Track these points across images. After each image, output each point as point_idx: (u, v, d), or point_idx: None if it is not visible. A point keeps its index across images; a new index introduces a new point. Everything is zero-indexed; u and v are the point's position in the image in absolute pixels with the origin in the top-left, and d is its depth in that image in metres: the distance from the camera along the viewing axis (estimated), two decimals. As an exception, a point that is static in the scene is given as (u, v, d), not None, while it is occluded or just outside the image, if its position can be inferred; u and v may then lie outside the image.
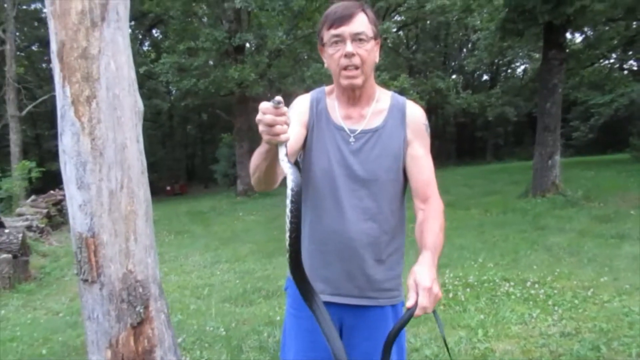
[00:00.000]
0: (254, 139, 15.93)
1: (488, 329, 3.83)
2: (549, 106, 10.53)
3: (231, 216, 13.52)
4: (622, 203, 9.15)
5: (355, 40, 1.50)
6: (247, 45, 18.35)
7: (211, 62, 18.56)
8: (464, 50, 31.39)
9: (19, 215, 10.61)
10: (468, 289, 4.81)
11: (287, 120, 1.18)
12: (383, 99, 1.65)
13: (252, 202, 15.99)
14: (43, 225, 10.31)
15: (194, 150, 35.77)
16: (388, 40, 22.03)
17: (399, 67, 26.78)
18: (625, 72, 22.95)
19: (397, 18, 24.13)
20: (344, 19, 1.51)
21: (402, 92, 17.83)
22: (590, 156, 20.44)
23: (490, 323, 3.95)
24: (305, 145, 1.63)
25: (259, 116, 1.16)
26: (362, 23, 1.52)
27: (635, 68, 23.35)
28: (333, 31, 1.52)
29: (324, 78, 14.13)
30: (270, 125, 1.15)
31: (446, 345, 1.50)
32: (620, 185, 11.03)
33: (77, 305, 5.67)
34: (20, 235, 6.89)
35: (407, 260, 1.67)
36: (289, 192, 1.16)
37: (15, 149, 17.84)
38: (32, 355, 4.15)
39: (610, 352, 3.24)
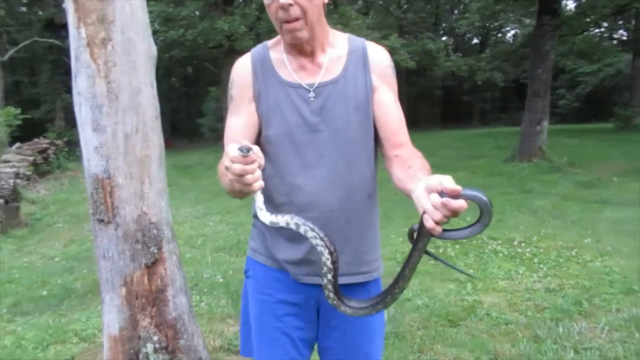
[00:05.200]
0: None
1: (476, 283, 4.01)
2: (540, 72, 10.61)
3: (219, 170, 13.49)
4: (605, 170, 9.39)
5: None
6: (237, -4, 17.90)
7: (197, 13, 18.10)
8: (455, 11, 31.04)
9: (5, 162, 10.48)
10: (457, 246, 4.98)
11: (260, 163, 1.06)
12: (339, 43, 1.40)
13: (239, 158, 15.92)
14: (30, 173, 10.23)
15: (178, 104, 35.20)
16: (380, -1, 21.72)
17: (389, 26, 26.43)
18: (615, 42, 23.06)
19: (390, -24, 23.66)
20: None
21: (392, 51, 17.73)
22: (575, 124, 20.70)
23: (479, 277, 4.12)
24: (259, 119, 1.38)
25: (226, 163, 1.04)
26: None
27: (624, 38, 23.43)
28: None
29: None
30: (241, 175, 1.03)
31: (459, 268, 1.39)
32: (603, 154, 11.30)
33: (72, 250, 5.76)
34: (12, 181, 6.87)
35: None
36: (302, 230, 1.08)
37: (-3, 94, 17.40)
38: (32, 297, 4.23)
39: (591, 307, 3.43)
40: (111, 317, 2.45)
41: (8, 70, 21.18)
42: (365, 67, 1.37)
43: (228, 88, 1.41)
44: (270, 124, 1.35)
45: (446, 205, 0.93)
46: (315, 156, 1.33)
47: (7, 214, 6.64)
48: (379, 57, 1.40)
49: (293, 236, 1.31)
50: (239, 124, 1.37)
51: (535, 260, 4.53)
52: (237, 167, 1.02)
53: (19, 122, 13.86)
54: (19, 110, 13.88)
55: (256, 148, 1.05)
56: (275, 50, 1.41)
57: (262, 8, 18.08)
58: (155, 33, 21.91)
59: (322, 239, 1.07)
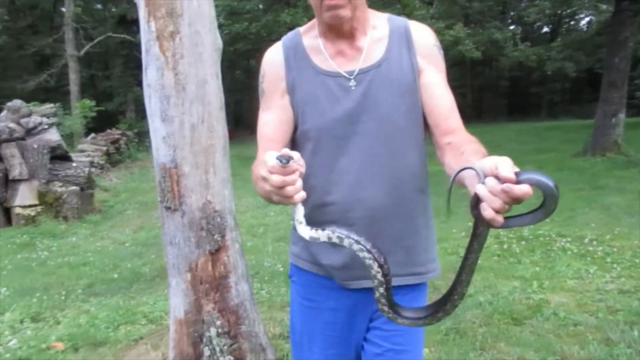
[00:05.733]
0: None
1: (543, 281, 3.85)
2: (617, 61, 9.99)
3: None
4: (688, 166, 8.75)
5: None
6: (300, -11, 18.02)
7: (261, 6, 18.39)
8: (525, -1, 29.77)
9: (81, 151, 11.11)
10: (523, 242, 4.81)
11: (301, 172, 0.95)
12: (379, 24, 1.28)
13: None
14: (103, 162, 10.79)
15: (241, 96, 35.97)
16: (445, -13, 21.17)
17: (454, 15, 25.73)
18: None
19: (456, -37, 22.99)
20: None
21: (457, 41, 17.32)
22: (654, 117, 19.40)
23: (545, 276, 3.96)
24: (294, 114, 1.27)
25: (263, 173, 0.94)
26: None
27: None
28: None
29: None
30: (280, 187, 0.92)
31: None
32: (685, 148, 10.53)
33: (141, 236, 6.03)
34: (87, 169, 7.27)
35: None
36: (346, 243, 0.99)
37: (74, 88, 18.47)
38: (105, 279, 4.47)
39: (670, 311, 3.21)
40: (177, 300, 2.54)
41: (84, 64, 22.38)
42: (409, 48, 1.24)
43: (259, 82, 1.32)
44: (306, 118, 1.24)
45: (507, 192, 0.80)
46: (359, 150, 1.22)
47: (82, 201, 7.04)
48: (424, 37, 1.27)
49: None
50: (272, 120, 1.27)
51: (608, 259, 4.29)
52: (276, 179, 0.91)
53: (93, 114, 14.66)
54: (93, 103, 14.66)
55: (296, 155, 0.94)
56: (308, 36, 1.29)
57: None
58: (220, 27, 22.60)
59: (369, 251, 0.98)
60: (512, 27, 27.10)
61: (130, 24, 20.07)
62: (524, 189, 0.80)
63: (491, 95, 32.23)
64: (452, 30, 16.09)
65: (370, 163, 1.22)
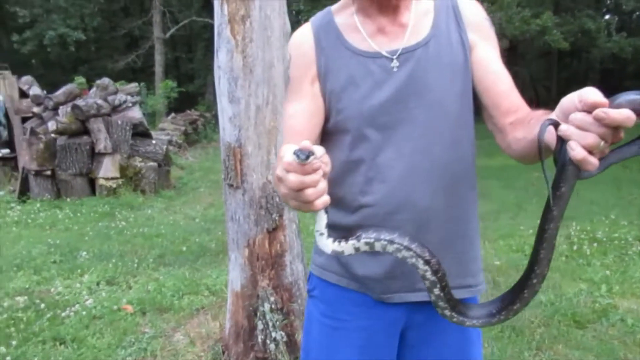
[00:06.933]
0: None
1: (613, 285, 3.65)
2: None
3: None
4: None
5: None
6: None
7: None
8: (624, -14, 27.66)
9: (161, 130, 11.70)
10: (595, 244, 4.56)
11: (325, 170, 0.78)
12: None
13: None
14: (181, 141, 11.31)
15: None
16: (534, -27, 20.10)
17: (543, 3, 24.42)
18: None
19: (548, -53, 21.74)
20: None
21: (543, 31, 16.44)
22: None
23: (616, 280, 3.75)
24: (326, 104, 1.11)
25: (279, 172, 0.78)
26: None
27: None
28: None
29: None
30: (298, 190, 0.76)
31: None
32: None
33: (211, 213, 6.30)
34: (165, 147, 7.65)
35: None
36: (379, 247, 0.84)
37: (159, 69, 19.43)
38: (174, 251, 4.73)
39: None
40: (235, 274, 2.66)
41: (169, 46, 23.40)
42: (458, 23, 1.09)
43: (284, 68, 1.20)
44: (343, 106, 1.08)
45: (602, 119, 0.63)
46: (406, 141, 1.06)
47: (159, 176, 7.44)
48: (473, 9, 1.12)
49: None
50: (301, 111, 1.10)
51: (692, 269, 3.99)
52: (293, 179, 0.75)
53: (175, 95, 15.37)
54: (175, 84, 15.35)
55: (320, 151, 0.77)
56: (342, 14, 1.14)
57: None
58: (299, 12, 22.82)
59: (408, 248, 0.83)
60: (607, 17, 25.29)
61: (213, 8, 20.71)
62: (623, 112, 0.64)
63: (579, 89, 30.34)
64: (538, 19, 15.27)
65: (420, 156, 1.05)
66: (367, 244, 0.83)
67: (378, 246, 0.83)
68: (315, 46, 1.12)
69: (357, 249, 0.84)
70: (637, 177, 8.21)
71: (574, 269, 3.96)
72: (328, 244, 0.84)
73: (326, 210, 0.81)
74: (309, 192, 0.75)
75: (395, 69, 1.06)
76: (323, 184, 0.77)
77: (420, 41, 1.07)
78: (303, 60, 1.12)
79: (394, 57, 1.06)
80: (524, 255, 4.20)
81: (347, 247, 0.84)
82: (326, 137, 1.13)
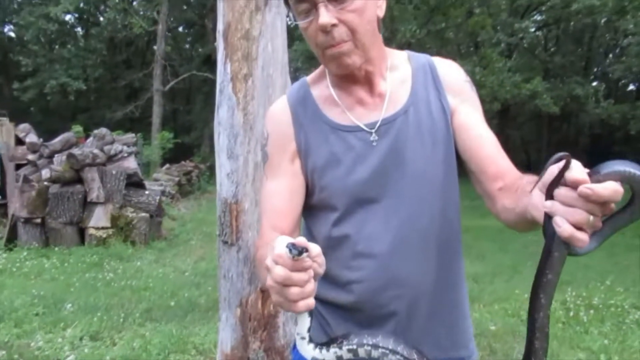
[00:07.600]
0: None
1: (612, 355, 3.55)
2: None
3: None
4: None
5: (331, 0, 0.95)
6: (377, 37, 18.46)
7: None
8: (610, 55, 28.75)
9: (155, 180, 11.70)
10: (591, 311, 4.48)
11: (317, 272, 0.74)
12: (400, 63, 1.10)
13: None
14: (174, 192, 11.29)
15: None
16: (524, 41, 20.91)
17: (534, 69, 25.26)
18: None
19: (538, 17, 22.76)
20: None
21: (534, 95, 16.93)
22: None
23: (615, 350, 3.65)
24: (307, 181, 1.08)
25: (268, 262, 0.73)
26: None
27: None
28: None
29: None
30: (284, 285, 0.71)
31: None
32: None
33: (201, 267, 6.18)
34: (158, 197, 7.63)
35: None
36: (362, 352, 0.81)
37: (156, 120, 19.68)
38: (162, 305, 4.59)
39: None
40: (225, 335, 2.56)
41: (168, 99, 23.80)
42: (437, 87, 1.07)
43: (262, 145, 1.13)
44: (327, 183, 1.05)
45: (588, 196, 0.60)
46: (392, 214, 1.02)
47: (151, 227, 7.36)
48: (452, 73, 1.10)
49: (370, 319, 1.03)
50: (281, 189, 1.07)
51: (690, 339, 3.91)
52: (279, 273, 0.70)
53: (171, 146, 15.49)
54: (172, 135, 15.50)
55: (316, 249, 0.73)
56: (318, 86, 1.11)
57: (399, 48, 18.44)
58: (297, 70, 23.46)
59: (394, 352, 0.80)
60: (594, 84, 26.14)
61: (214, 63, 21.18)
62: (609, 187, 0.61)
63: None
64: (529, 84, 15.76)
65: (408, 229, 1.02)
66: (350, 350, 0.80)
67: (362, 352, 0.80)
68: (294, 122, 1.09)
69: (339, 358, 0.80)
70: (632, 243, 8.20)
71: (571, 336, 3.87)
72: (309, 350, 0.79)
73: (310, 313, 0.76)
74: (294, 291, 0.71)
75: (374, 143, 1.04)
76: (310, 286, 0.72)
77: (399, 110, 1.05)
78: (281, 138, 1.09)
79: (373, 130, 1.04)
80: (520, 320, 4.11)
81: (328, 355, 0.80)
82: (309, 212, 1.11)
